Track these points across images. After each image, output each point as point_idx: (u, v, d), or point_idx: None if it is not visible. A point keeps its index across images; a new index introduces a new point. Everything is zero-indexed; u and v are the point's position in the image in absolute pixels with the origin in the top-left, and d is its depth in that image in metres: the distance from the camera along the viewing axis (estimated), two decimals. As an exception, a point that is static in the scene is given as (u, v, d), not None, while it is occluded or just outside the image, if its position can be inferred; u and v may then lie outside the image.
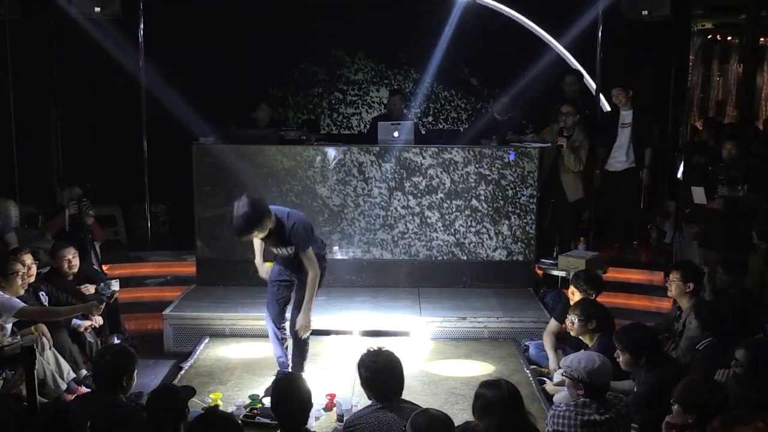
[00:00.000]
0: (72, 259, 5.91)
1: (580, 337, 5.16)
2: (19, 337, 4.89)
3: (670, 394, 3.55)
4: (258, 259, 5.41)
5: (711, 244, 6.51)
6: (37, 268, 5.68)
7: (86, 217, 6.79)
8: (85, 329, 5.63)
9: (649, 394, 4.26)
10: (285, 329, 5.19)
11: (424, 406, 3.77)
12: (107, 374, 3.90)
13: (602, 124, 7.98)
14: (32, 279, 5.51)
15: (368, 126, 8.76)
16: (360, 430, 3.60)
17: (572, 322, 5.12)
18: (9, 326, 4.98)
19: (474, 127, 8.35)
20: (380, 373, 3.69)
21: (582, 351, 4.69)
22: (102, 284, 5.58)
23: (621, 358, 4.39)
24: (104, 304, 5.34)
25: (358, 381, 5.34)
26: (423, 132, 7.47)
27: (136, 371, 3.99)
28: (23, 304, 5.02)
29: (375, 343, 5.94)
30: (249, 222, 4.71)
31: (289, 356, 5.19)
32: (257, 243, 5.27)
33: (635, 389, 4.48)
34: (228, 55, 9.09)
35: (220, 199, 7.11)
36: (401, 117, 8.04)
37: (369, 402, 3.77)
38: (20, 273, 5.10)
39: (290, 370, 5.11)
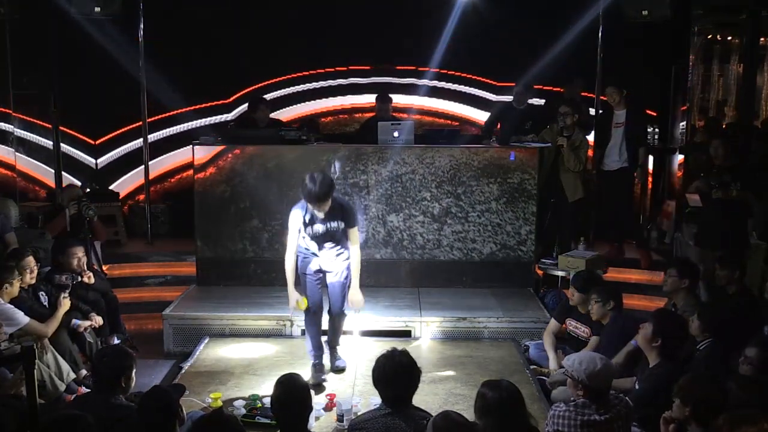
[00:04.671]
0: (81, 257, 5.95)
1: (601, 321, 5.32)
2: (15, 340, 4.88)
3: (671, 392, 3.56)
4: (292, 288, 5.42)
5: (707, 243, 6.52)
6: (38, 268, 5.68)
7: (89, 216, 6.71)
8: (85, 329, 5.63)
9: (651, 392, 4.27)
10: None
11: (424, 407, 3.77)
12: (106, 375, 3.90)
13: (598, 124, 7.99)
14: (34, 281, 5.52)
15: (359, 127, 8.77)
16: None
17: (591, 306, 5.37)
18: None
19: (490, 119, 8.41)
20: (387, 375, 3.64)
21: (584, 351, 4.72)
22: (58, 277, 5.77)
23: (641, 331, 4.52)
24: (67, 290, 5.50)
25: (358, 381, 5.42)
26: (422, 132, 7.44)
27: (135, 371, 3.99)
28: (28, 319, 5.08)
29: (376, 343, 6.11)
30: (332, 187, 5.18)
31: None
32: (290, 267, 5.39)
33: (636, 386, 4.49)
34: (227, 54, 9.09)
35: (220, 199, 7.12)
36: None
37: (372, 403, 3.75)
38: None
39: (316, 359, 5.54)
